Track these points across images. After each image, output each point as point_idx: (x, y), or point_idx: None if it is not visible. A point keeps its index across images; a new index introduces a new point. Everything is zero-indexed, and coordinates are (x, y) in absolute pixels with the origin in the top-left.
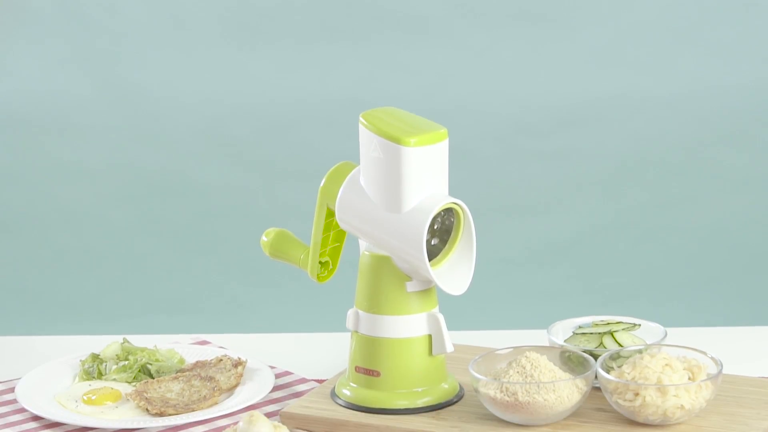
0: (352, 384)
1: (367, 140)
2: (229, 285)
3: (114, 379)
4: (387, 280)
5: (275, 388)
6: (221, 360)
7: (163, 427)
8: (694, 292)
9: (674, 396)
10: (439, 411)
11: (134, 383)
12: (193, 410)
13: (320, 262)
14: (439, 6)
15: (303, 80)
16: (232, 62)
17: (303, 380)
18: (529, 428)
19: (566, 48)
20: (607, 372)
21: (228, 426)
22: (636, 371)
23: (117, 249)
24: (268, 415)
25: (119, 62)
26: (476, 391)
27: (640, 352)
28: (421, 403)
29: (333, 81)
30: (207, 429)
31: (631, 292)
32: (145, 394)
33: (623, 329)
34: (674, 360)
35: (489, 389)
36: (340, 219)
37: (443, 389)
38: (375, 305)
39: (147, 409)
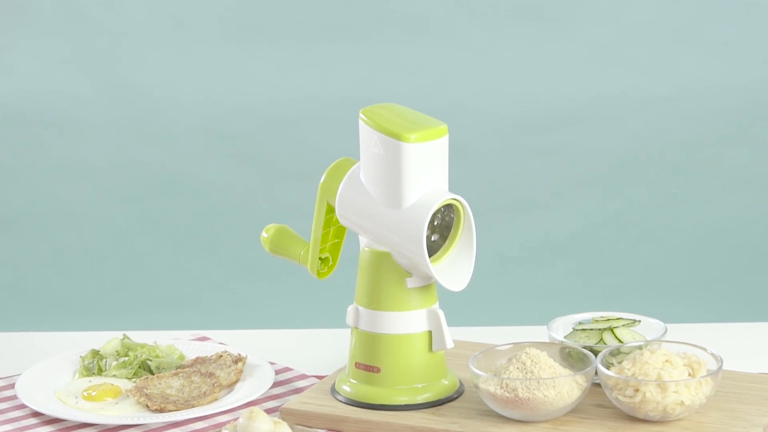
0: (352, 380)
1: (367, 136)
2: (229, 281)
3: (114, 376)
4: (387, 277)
5: (275, 384)
6: (221, 356)
7: (163, 423)
8: (694, 290)
9: (674, 392)
10: (439, 407)
11: (134, 379)
12: (193, 406)
13: (320, 258)
14: (439, 5)
15: (303, 79)
16: (233, 61)
17: (303, 376)
18: (529, 424)
19: (566, 47)
20: (607, 368)
21: (228, 422)
22: (636, 367)
23: (117, 246)
24: (268, 411)
25: (119, 61)
26: (476, 387)
27: (640, 348)
28: (421, 399)
29: (333, 80)
30: (207, 425)
31: (631, 290)
32: (145, 390)
33: (623, 325)
34: (674, 356)
35: (489, 385)
36: (340, 215)
37: (443, 385)
38: (375, 301)
39: (147, 405)
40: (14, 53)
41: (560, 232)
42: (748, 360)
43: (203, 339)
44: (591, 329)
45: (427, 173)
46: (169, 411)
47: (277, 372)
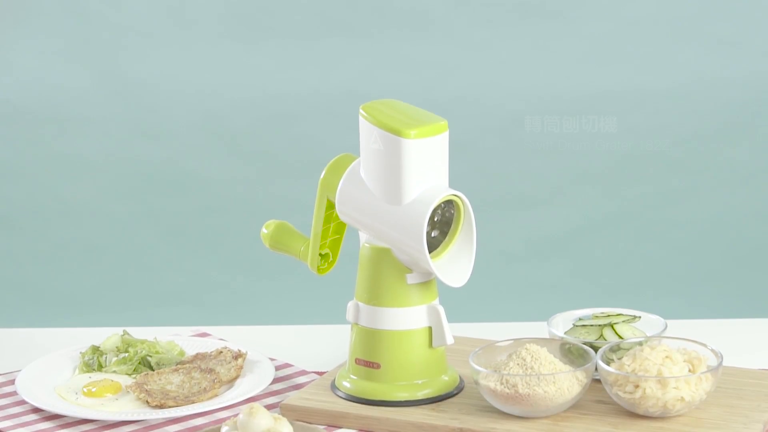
0: (352, 376)
1: (367, 132)
2: (229, 277)
3: (114, 371)
4: (387, 273)
5: (275, 380)
6: (221, 352)
7: (163, 419)
8: (694, 286)
9: (674, 388)
10: (439, 403)
11: (134, 375)
12: (193, 402)
13: (320, 254)
14: (439, 0)
15: (303, 74)
16: (233, 56)
17: (303, 372)
18: (529, 420)
19: (566, 42)
20: (607, 364)
21: (228, 418)
22: (636, 363)
23: (117, 242)
24: (269, 407)
25: (119, 55)
26: (476, 383)
27: (640, 344)
28: (421, 395)
29: (334, 75)
30: (207, 421)
31: (631, 286)
32: (145, 386)
33: (623, 321)
34: (674, 352)
35: (489, 381)
36: (340, 211)
37: (443, 381)
38: (375, 297)
39: (147, 401)
40: (14, 47)
41: (561, 228)
42: (748, 356)
43: (203, 335)
44: (591, 325)
45: (427, 169)
46: (169, 407)
47: (277, 368)
